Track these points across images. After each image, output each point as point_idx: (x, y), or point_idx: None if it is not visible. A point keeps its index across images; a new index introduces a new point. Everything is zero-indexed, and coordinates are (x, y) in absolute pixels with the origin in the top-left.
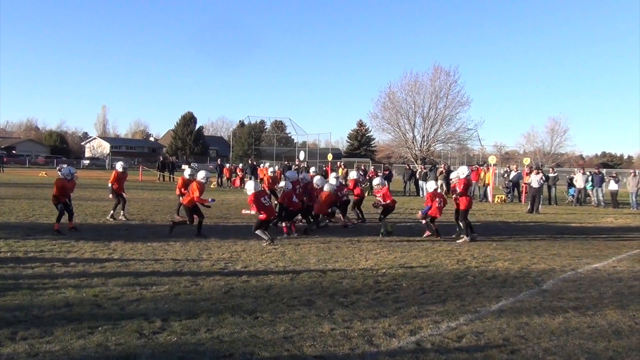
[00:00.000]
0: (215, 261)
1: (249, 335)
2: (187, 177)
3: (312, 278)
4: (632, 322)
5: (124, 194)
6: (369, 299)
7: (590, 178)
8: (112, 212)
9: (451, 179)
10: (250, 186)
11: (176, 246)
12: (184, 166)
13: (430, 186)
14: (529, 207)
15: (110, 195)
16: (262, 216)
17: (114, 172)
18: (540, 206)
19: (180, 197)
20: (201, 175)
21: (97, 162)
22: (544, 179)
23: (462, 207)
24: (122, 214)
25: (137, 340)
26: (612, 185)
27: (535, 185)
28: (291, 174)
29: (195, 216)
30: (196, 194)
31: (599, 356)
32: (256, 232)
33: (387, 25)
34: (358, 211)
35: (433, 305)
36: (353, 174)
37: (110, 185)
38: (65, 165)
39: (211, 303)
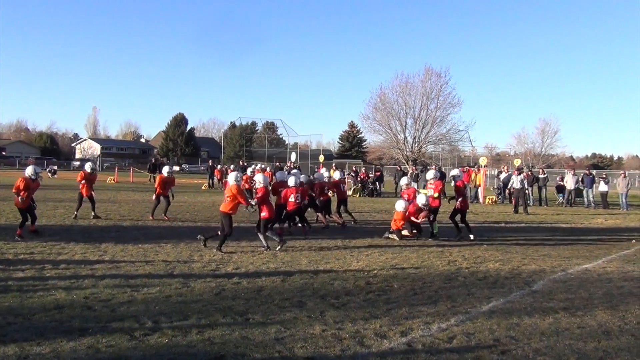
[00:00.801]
0: (206, 263)
1: (240, 337)
2: (166, 175)
3: (304, 279)
4: (622, 322)
5: (94, 194)
6: (360, 300)
7: (580, 179)
8: (75, 212)
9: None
10: (260, 178)
11: (167, 248)
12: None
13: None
14: (513, 207)
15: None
16: (265, 214)
17: (81, 171)
18: (528, 206)
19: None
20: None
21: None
22: (526, 179)
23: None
24: (92, 214)
25: (127, 342)
26: (602, 186)
27: (517, 185)
28: (280, 174)
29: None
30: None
31: (588, 356)
32: (267, 234)
33: (379, 27)
34: (347, 213)
35: (424, 306)
36: (336, 174)
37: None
38: (31, 165)
39: (202, 305)
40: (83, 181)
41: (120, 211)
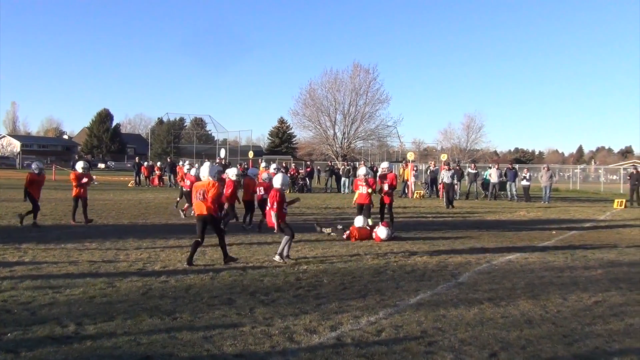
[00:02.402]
0: (132, 262)
1: (168, 337)
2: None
3: (233, 277)
4: (543, 311)
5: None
6: (290, 296)
7: (504, 173)
8: (33, 220)
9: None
10: (278, 180)
11: (92, 247)
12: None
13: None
14: (445, 202)
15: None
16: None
17: (27, 174)
18: (455, 200)
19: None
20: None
21: (6, 162)
22: (453, 174)
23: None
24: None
25: (49, 346)
26: (524, 181)
27: (446, 180)
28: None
29: None
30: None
31: (512, 345)
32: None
33: (308, 23)
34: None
35: (353, 300)
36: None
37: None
38: None
39: (128, 305)
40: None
41: (42, 210)
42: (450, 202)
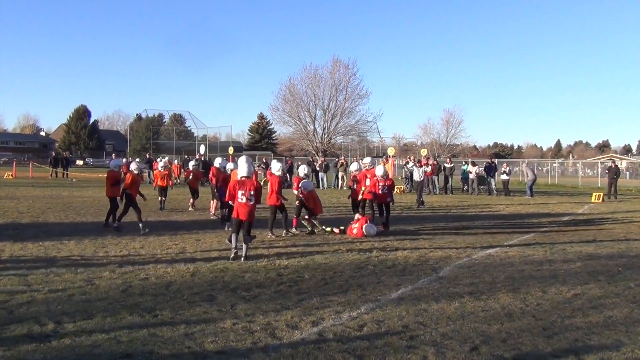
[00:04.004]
0: (112, 259)
1: (148, 334)
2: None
3: (214, 273)
4: (523, 304)
5: None
6: (271, 292)
7: (483, 168)
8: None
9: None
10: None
11: (70, 245)
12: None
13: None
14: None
15: None
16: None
17: (129, 174)
18: (435, 194)
19: None
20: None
21: None
22: (432, 169)
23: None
24: None
25: (27, 344)
26: (504, 175)
27: (417, 178)
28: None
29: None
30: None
31: (492, 338)
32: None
33: (287, 18)
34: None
35: (335, 295)
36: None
37: None
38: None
39: (108, 303)
40: None
41: (18, 207)
42: (420, 201)
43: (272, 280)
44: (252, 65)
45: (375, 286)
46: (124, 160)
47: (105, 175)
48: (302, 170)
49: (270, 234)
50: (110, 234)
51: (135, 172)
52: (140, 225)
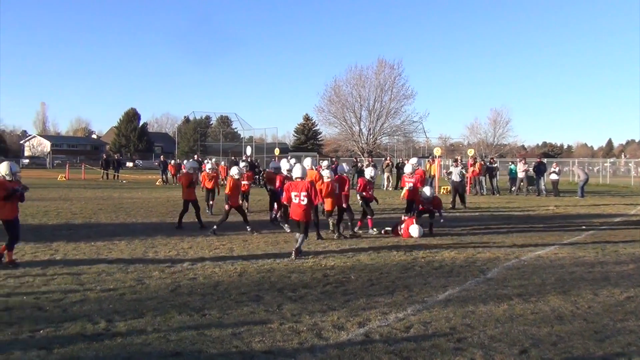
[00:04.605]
0: (161, 259)
1: (197, 333)
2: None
3: (261, 273)
4: (574, 307)
5: None
6: (317, 292)
7: (532, 168)
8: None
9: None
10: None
11: (121, 245)
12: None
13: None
14: (450, 202)
15: None
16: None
17: (230, 179)
18: (465, 197)
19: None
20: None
21: (37, 161)
22: (464, 171)
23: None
24: None
25: (80, 342)
26: (553, 175)
27: (455, 178)
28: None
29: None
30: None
31: (542, 341)
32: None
33: (332, 20)
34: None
35: (381, 296)
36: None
37: None
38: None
39: (157, 302)
40: None
41: (72, 209)
42: (461, 201)
43: (319, 280)
44: (297, 67)
45: (422, 287)
46: (191, 161)
47: (181, 178)
48: (369, 172)
49: (336, 233)
50: (159, 235)
51: (235, 176)
52: (214, 227)
